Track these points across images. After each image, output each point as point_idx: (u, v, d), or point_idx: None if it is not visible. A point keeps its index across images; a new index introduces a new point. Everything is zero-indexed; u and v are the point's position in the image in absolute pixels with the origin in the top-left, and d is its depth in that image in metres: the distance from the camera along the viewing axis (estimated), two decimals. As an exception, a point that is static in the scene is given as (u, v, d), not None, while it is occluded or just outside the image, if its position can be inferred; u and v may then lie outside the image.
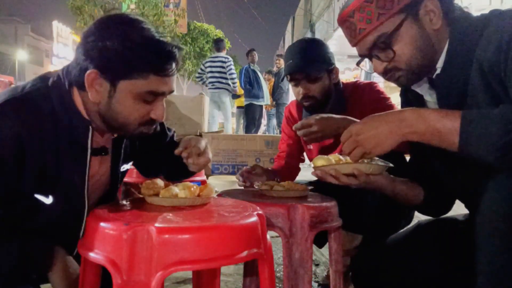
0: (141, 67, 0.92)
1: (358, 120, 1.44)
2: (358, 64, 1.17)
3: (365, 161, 1.05)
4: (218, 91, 6.32)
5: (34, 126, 0.92)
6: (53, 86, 0.98)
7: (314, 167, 1.11)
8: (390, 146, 0.94)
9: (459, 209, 1.20)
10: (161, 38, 0.95)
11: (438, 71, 1.01)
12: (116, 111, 0.96)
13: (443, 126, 0.86)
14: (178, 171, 1.22)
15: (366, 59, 1.10)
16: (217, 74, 6.27)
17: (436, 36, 1.00)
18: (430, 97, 1.08)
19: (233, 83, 6.31)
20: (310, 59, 1.60)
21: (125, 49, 0.90)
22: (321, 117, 1.44)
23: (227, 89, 6.37)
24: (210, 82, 6.33)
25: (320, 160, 1.10)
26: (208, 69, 6.31)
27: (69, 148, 0.98)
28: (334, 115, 1.46)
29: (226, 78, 6.27)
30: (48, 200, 0.98)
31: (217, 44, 6.46)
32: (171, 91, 1.00)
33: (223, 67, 6.23)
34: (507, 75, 0.85)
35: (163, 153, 1.22)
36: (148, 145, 1.21)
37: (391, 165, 1.10)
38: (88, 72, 0.92)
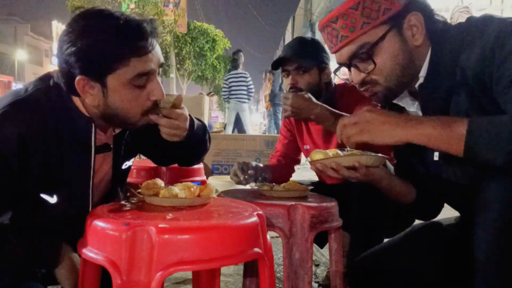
0: (118, 55, 0.91)
1: (337, 113, 1.44)
2: (335, 72, 1.15)
3: (367, 153, 1.04)
4: (241, 103, 7.48)
5: (37, 127, 0.92)
6: (54, 86, 0.99)
7: (311, 161, 1.09)
8: (389, 137, 0.91)
9: (453, 212, 1.20)
10: (127, 19, 0.92)
11: (421, 80, 1.00)
12: (116, 107, 0.96)
13: (450, 132, 0.84)
14: (188, 156, 1.22)
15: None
16: (242, 88, 7.45)
17: (416, 52, 0.99)
18: (413, 107, 1.07)
19: (251, 94, 7.67)
20: (301, 51, 1.65)
21: (97, 44, 0.90)
22: (299, 96, 1.50)
23: (247, 101, 7.61)
24: (233, 95, 7.40)
25: (318, 154, 1.09)
26: (232, 84, 7.41)
27: (73, 147, 0.98)
28: (314, 99, 1.51)
29: (246, 91, 7.47)
30: (53, 200, 0.98)
31: (234, 62, 7.59)
32: (161, 64, 0.98)
33: (245, 82, 7.41)
34: (493, 82, 0.84)
35: (170, 144, 1.18)
36: (151, 136, 1.19)
37: (388, 157, 1.09)
38: (76, 80, 0.92)
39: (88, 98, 0.95)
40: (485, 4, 5.36)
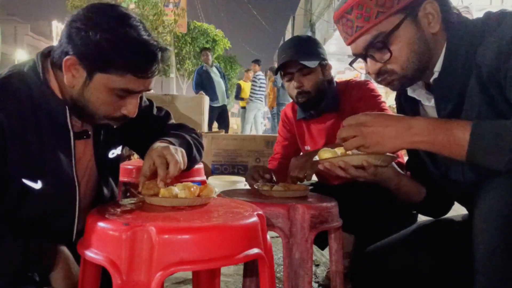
0: (119, 65, 0.91)
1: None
2: (351, 64, 1.15)
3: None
4: (260, 103, 8.17)
5: (13, 110, 0.92)
6: (28, 71, 0.99)
7: (320, 160, 1.07)
8: (390, 149, 0.92)
9: (460, 209, 1.20)
10: (146, 38, 0.93)
11: (435, 75, 1.00)
12: (88, 100, 0.96)
13: (453, 138, 0.84)
14: None
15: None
16: (261, 89, 8.07)
17: (433, 40, 0.98)
18: (428, 102, 1.06)
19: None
20: (303, 51, 1.61)
21: (106, 44, 0.90)
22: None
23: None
24: (259, 95, 8.03)
25: (327, 153, 1.07)
26: (261, 84, 8.04)
27: (51, 131, 0.98)
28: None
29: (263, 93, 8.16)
30: (37, 185, 0.97)
31: (258, 64, 8.26)
32: (148, 90, 0.99)
33: (264, 83, 8.07)
34: (507, 82, 0.84)
35: (154, 137, 1.16)
36: (136, 130, 1.18)
37: (396, 156, 1.08)
38: (67, 57, 0.92)
39: (68, 77, 0.94)
40: (485, 4, 5.37)
